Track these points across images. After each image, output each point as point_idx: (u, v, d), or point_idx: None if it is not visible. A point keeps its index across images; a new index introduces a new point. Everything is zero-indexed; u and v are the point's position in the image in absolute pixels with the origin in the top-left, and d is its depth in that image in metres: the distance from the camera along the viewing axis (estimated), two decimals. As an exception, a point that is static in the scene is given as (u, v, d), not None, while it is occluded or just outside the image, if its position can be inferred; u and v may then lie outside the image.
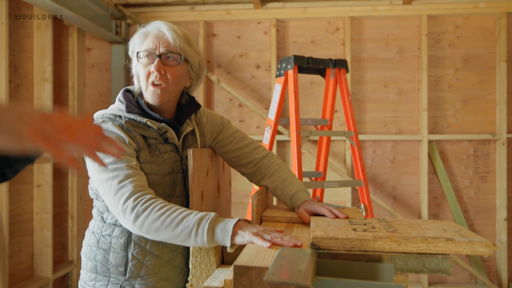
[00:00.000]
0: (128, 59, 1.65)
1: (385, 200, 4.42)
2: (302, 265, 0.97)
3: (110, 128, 1.49)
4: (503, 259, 4.25)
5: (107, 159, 1.42)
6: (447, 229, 1.26)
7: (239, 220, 1.29)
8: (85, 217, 4.53)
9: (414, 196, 4.43)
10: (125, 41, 4.44)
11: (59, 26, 4.20)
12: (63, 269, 4.11)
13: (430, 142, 4.36)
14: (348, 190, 4.37)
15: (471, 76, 4.39)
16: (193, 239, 1.29)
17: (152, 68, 1.50)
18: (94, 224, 1.60)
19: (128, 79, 4.49)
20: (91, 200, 4.41)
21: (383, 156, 4.44)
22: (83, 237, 4.47)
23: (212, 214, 1.32)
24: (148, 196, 1.37)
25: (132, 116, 1.53)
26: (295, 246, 1.17)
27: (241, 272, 1.01)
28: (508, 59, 4.29)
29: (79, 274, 4.28)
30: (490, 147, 4.38)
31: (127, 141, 1.47)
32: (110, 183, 1.39)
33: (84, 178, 4.51)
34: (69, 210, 4.36)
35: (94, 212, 1.62)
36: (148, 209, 1.33)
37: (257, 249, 1.15)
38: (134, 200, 1.35)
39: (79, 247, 4.36)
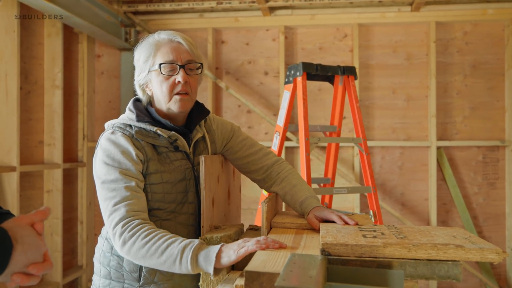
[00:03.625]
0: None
1: (393, 206, 4.41)
2: (313, 271, 0.98)
3: (118, 140, 1.50)
4: (513, 266, 4.22)
5: (110, 176, 1.45)
6: (457, 236, 1.26)
7: (222, 245, 1.31)
8: (94, 223, 4.56)
9: (423, 203, 4.41)
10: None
11: (69, 34, 4.25)
12: (73, 274, 4.13)
13: (438, 148, 4.35)
14: (356, 196, 4.36)
15: (480, 83, 4.38)
16: (177, 267, 1.32)
17: (180, 79, 1.54)
18: (107, 231, 1.61)
19: (138, 86, 4.51)
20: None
21: (391, 162, 4.44)
22: (92, 242, 4.51)
23: (196, 241, 1.34)
24: (136, 222, 1.39)
25: (142, 125, 1.54)
26: (281, 247, 1.27)
27: (252, 278, 1.02)
28: (517, 66, 4.29)
29: (88, 280, 4.30)
30: (499, 153, 4.36)
31: (134, 155, 1.48)
32: (107, 203, 1.43)
33: (93, 184, 4.54)
34: (79, 215, 4.39)
35: (106, 218, 1.63)
36: (135, 236, 1.37)
37: (268, 255, 1.16)
38: (123, 226, 1.39)
39: (89, 252, 4.38)
